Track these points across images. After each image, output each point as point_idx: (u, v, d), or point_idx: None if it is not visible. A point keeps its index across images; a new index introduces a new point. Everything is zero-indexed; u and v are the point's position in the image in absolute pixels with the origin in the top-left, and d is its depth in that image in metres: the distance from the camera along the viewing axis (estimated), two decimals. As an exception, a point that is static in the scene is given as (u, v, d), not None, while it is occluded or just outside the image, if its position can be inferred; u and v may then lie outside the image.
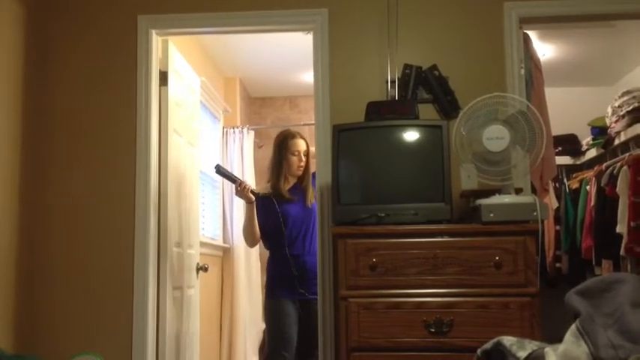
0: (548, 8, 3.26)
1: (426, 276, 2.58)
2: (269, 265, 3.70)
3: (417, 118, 2.90)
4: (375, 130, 2.84)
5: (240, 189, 3.56)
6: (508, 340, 1.25)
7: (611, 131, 4.45)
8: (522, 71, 3.22)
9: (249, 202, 3.60)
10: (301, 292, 3.47)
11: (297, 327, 3.51)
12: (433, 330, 2.53)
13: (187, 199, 3.73)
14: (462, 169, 2.72)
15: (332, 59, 3.29)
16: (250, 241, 3.75)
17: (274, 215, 3.54)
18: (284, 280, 3.52)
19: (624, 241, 3.73)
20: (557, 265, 4.69)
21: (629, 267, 3.83)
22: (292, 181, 3.68)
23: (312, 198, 3.61)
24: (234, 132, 5.56)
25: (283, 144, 3.64)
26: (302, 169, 3.65)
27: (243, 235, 3.77)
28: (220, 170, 3.67)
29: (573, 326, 1.15)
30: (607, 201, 4.01)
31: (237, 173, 5.39)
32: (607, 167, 4.17)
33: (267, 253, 3.78)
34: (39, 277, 3.23)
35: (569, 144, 5.16)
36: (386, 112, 2.89)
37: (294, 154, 3.62)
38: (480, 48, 3.24)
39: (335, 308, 3.06)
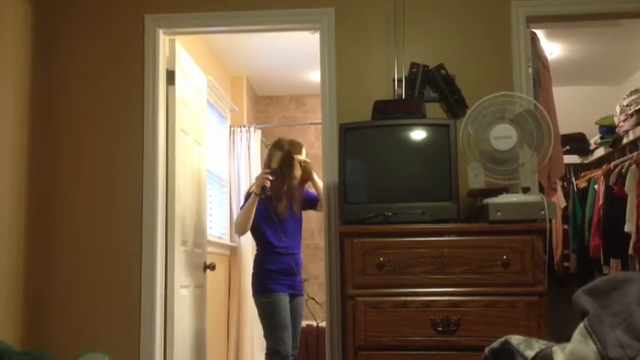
0: (555, 7, 3.25)
1: (433, 275, 2.58)
2: (263, 259, 3.81)
3: (423, 117, 2.90)
4: (382, 129, 2.84)
5: (266, 176, 3.71)
6: (516, 339, 1.25)
7: (620, 130, 4.43)
8: (530, 70, 3.21)
9: (258, 192, 3.72)
10: (294, 287, 3.77)
11: None
12: (440, 329, 2.53)
13: (194, 197, 3.74)
14: (469, 168, 2.71)
15: (338, 58, 3.29)
16: (243, 229, 3.82)
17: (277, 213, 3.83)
18: (282, 276, 3.73)
19: (632, 240, 3.73)
20: (566, 264, 4.68)
21: (637, 266, 3.82)
22: None
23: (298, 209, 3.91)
24: (241, 131, 5.57)
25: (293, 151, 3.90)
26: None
27: (238, 221, 3.85)
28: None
29: (581, 325, 1.15)
30: (615, 200, 4.00)
31: (243, 172, 5.42)
32: (615, 166, 4.16)
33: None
34: (47, 276, 3.25)
35: (577, 143, 5.15)
36: (393, 111, 2.88)
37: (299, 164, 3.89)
38: (487, 47, 3.23)
39: (342, 307, 3.07)
